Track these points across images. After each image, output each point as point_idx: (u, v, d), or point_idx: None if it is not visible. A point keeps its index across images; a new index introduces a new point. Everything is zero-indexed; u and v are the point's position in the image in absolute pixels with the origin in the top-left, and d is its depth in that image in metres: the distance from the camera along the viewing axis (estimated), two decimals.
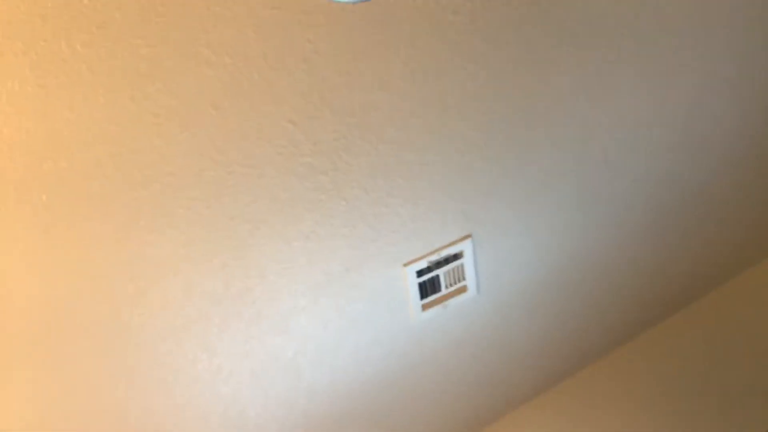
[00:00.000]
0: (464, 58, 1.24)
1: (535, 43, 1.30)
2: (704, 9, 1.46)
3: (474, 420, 1.99)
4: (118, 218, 1.13)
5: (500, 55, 1.27)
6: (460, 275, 1.58)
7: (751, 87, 1.68)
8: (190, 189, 1.16)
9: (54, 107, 0.98)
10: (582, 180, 1.59)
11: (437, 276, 1.55)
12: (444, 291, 1.59)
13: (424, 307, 1.58)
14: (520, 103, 1.37)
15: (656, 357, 2.10)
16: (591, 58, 1.38)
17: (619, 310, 1.99)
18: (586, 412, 2.04)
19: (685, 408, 2.02)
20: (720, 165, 1.80)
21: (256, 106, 1.12)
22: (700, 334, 2.13)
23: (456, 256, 1.54)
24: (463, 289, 1.61)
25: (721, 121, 1.70)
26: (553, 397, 2.06)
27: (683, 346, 2.12)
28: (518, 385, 1.98)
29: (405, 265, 1.49)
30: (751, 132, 1.78)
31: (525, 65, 1.32)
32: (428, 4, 1.15)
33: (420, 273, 1.52)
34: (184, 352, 1.36)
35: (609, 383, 2.07)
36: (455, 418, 1.94)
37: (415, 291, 1.54)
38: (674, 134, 1.65)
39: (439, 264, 1.53)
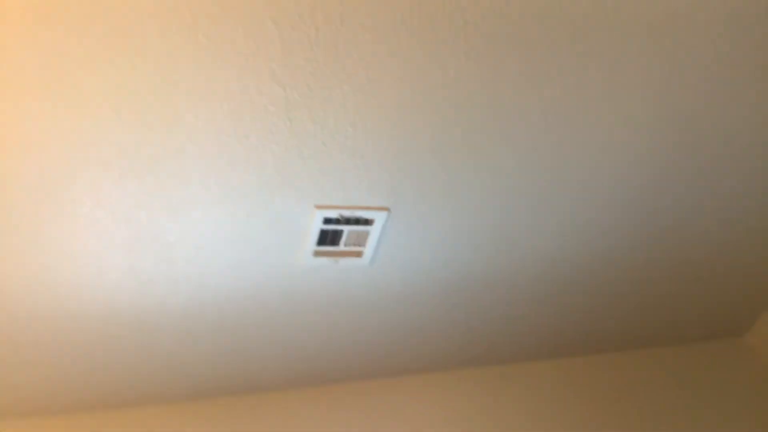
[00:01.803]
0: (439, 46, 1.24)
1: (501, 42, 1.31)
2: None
3: (318, 377, 2.03)
4: (33, 20, 1.07)
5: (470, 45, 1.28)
6: (362, 240, 1.59)
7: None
8: (143, 26, 1.11)
9: None
10: (516, 195, 1.63)
11: (342, 231, 1.55)
12: (341, 247, 1.59)
13: (316, 254, 1.59)
14: (476, 99, 1.38)
15: (525, 387, 2.20)
16: (547, 60, 1.37)
17: (504, 334, 2.07)
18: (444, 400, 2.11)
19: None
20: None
21: None
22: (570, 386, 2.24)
23: (367, 221, 1.55)
24: (359, 254, 1.62)
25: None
26: (409, 383, 2.12)
27: (544, 388, 2.22)
28: (375, 363, 2.03)
29: (317, 207, 1.48)
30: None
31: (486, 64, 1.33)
32: None
33: (328, 221, 1.52)
34: (70, 191, 1.31)
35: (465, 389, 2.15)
36: (308, 368, 1.97)
37: (316, 235, 1.54)
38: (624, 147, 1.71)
39: (348, 221, 1.53)
